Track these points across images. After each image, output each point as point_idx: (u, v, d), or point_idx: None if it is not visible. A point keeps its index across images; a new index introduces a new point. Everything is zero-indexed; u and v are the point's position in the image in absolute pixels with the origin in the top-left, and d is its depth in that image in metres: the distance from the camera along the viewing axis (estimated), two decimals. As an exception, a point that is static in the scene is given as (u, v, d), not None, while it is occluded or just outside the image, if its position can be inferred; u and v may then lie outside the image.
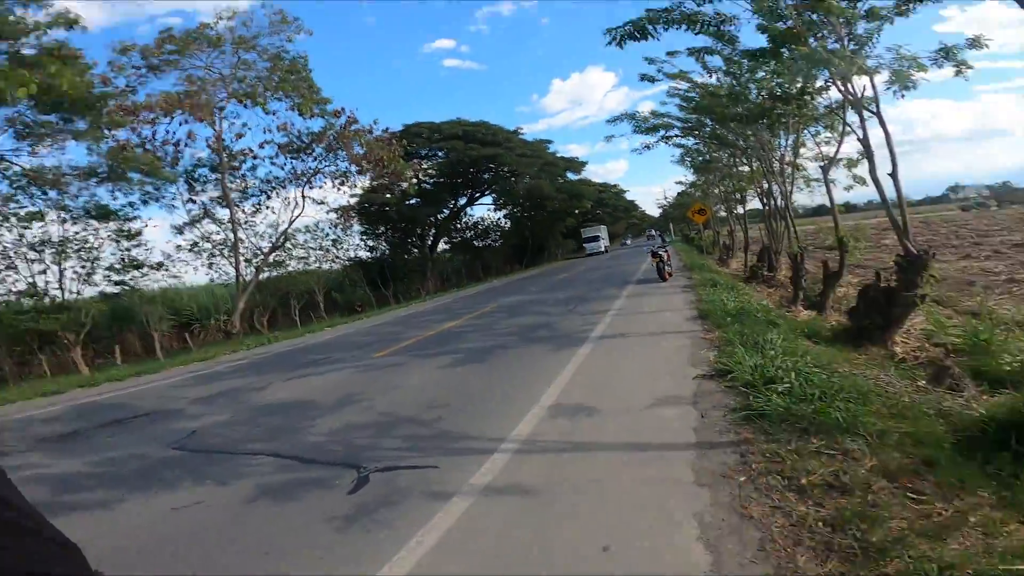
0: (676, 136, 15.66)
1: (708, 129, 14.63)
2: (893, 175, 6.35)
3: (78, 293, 17.50)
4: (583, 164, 50.10)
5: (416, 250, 35.95)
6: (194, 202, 20.83)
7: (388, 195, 28.93)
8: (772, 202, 14.39)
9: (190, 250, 21.07)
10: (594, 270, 28.50)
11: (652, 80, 12.10)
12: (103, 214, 17.44)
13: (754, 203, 19.15)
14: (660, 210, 68.45)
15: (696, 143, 17.64)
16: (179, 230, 20.90)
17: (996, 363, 4.77)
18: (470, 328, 12.22)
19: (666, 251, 17.01)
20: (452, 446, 4.55)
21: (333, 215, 25.72)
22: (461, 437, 4.75)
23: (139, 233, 18.62)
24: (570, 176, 47.62)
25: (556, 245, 55.09)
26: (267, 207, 22.62)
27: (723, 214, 27.64)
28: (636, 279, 18.50)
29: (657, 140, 15.28)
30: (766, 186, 14.53)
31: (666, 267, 16.33)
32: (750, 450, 3.53)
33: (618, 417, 4.66)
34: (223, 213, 21.02)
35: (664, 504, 3.03)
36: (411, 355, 9.48)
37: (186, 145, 19.22)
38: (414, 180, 29.31)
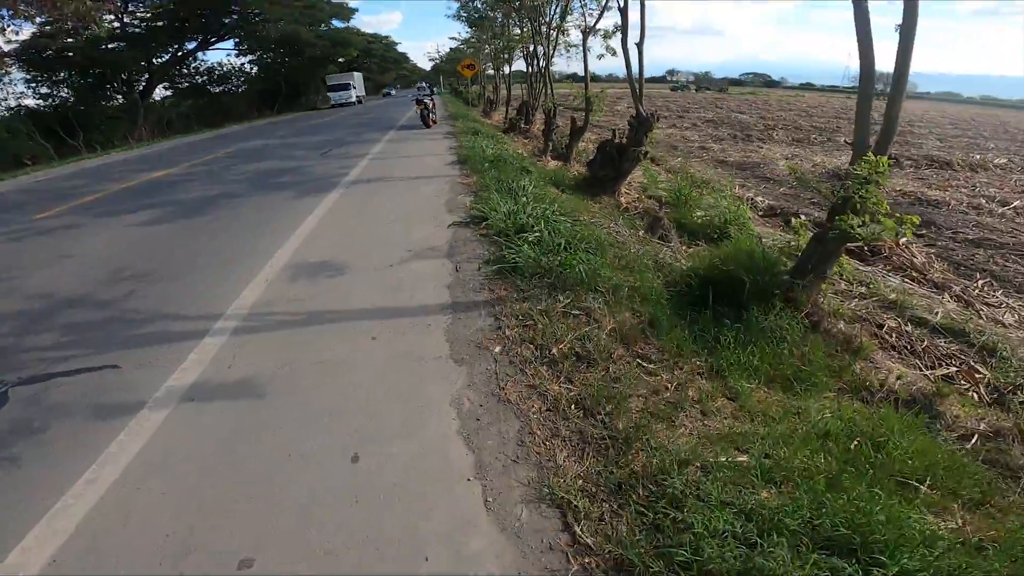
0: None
1: (491, -18, 13.10)
2: (639, 45, 6.40)
3: None
4: (353, 12, 41.89)
5: (121, 97, 27.46)
6: None
7: (69, 39, 22.06)
8: (536, 63, 14.23)
9: None
10: (358, 115, 25.25)
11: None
12: None
13: (519, 64, 18.95)
14: (432, 63, 64.49)
15: (475, -1, 16.02)
16: None
17: (691, 216, 5.31)
18: (190, 176, 9.16)
19: (432, 100, 15.97)
20: (143, 332, 3.11)
21: None
22: (159, 318, 3.30)
23: None
24: (336, 24, 40.30)
25: (317, 92, 45.38)
26: None
27: (491, 72, 27.04)
28: (400, 125, 16.96)
29: (436, -16, 13.62)
30: (532, 48, 14.23)
31: (431, 114, 15.32)
32: (504, 311, 3.12)
33: (368, 275, 3.83)
34: None
35: (419, 389, 2.43)
36: (95, 213, 6.58)
37: None
38: (114, 24, 24.02)
